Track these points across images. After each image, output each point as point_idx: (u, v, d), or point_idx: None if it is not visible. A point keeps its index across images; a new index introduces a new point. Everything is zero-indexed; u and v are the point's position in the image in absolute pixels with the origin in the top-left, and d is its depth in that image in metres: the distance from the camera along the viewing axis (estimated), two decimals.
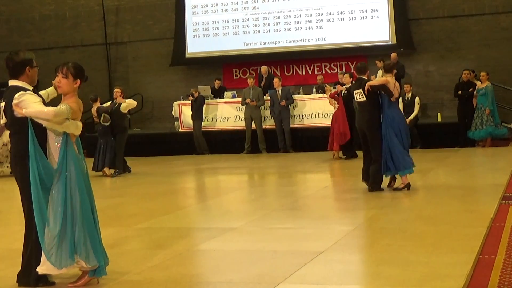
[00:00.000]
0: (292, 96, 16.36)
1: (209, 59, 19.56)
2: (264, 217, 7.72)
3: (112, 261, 5.54)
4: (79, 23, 21.30)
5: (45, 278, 5.03)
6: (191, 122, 16.91)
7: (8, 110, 4.97)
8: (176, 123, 17.88)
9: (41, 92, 5.35)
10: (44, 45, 21.62)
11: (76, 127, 4.92)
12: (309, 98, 16.64)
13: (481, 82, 15.07)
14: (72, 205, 4.82)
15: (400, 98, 15.52)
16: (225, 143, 16.84)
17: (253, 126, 16.24)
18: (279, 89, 16.07)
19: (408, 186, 9.08)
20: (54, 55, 21.51)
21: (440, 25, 18.14)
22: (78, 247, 4.83)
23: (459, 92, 15.50)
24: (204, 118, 16.80)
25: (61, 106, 4.84)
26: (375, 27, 18.13)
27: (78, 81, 5.09)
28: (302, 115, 16.47)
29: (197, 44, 19.60)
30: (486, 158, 13.70)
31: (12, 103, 4.89)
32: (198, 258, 5.98)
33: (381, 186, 9.13)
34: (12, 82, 5.07)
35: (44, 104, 5.03)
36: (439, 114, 16.75)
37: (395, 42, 17.95)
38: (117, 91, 13.16)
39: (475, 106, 15.10)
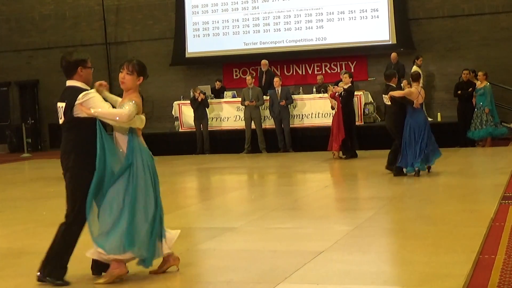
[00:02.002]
0: (292, 96, 16.36)
1: (209, 59, 19.56)
2: (264, 217, 7.72)
3: None
4: (79, 23, 21.30)
5: (63, 273, 5.06)
6: (191, 122, 16.91)
7: (68, 110, 5.01)
8: (176, 123, 17.88)
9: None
10: (44, 45, 21.62)
11: (141, 121, 5.15)
12: (309, 98, 16.64)
13: (480, 82, 15.07)
14: (134, 196, 5.00)
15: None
16: (225, 143, 16.84)
17: (253, 126, 16.25)
18: (279, 89, 16.07)
19: (417, 172, 10.47)
20: (54, 55, 21.47)
21: (440, 25, 18.14)
22: (129, 237, 4.95)
23: (459, 92, 15.50)
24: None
25: (128, 106, 5.02)
26: (375, 27, 18.13)
27: (141, 78, 5.26)
28: (302, 115, 16.47)
29: (197, 44, 19.60)
30: (486, 158, 13.70)
31: (76, 102, 4.97)
32: (198, 258, 5.98)
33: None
34: (69, 83, 5.17)
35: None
36: (439, 114, 16.76)
37: (395, 42, 17.95)
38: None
39: (474, 106, 15.11)
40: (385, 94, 10.97)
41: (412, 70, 16.15)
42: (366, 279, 4.90)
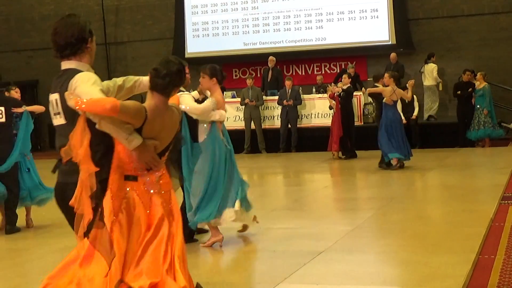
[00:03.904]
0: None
1: (209, 59, 19.47)
2: (264, 217, 7.71)
3: None
4: None
5: None
6: None
7: None
8: None
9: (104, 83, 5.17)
10: (43, 45, 21.57)
11: (220, 115, 6.15)
12: (308, 98, 16.64)
13: (479, 83, 15.07)
14: (215, 176, 6.11)
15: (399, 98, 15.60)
16: None
17: (253, 126, 16.24)
18: (289, 89, 16.08)
19: (401, 165, 11.56)
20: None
21: (440, 25, 18.13)
22: (214, 207, 6.05)
23: (458, 92, 15.50)
24: None
25: (207, 102, 6.05)
26: (375, 27, 18.13)
27: (215, 79, 6.25)
28: (302, 115, 16.47)
29: (196, 44, 19.59)
30: (485, 158, 13.69)
31: None
32: (198, 258, 5.98)
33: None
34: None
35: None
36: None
37: (395, 42, 17.95)
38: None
39: (474, 106, 15.10)
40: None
41: (426, 69, 16.35)
42: (365, 279, 4.90)
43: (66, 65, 3.50)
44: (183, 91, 6.06)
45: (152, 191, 3.39)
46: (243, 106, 16.37)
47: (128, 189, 3.37)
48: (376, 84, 12.64)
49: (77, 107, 3.20)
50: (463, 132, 15.19)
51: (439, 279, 4.74)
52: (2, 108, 7.44)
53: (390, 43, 18.00)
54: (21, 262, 6.03)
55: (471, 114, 15.06)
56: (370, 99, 17.14)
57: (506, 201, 7.94)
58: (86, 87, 3.30)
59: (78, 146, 3.25)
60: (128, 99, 3.64)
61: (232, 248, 6.27)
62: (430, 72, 16.83)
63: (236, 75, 19.68)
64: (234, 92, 17.49)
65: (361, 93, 16.58)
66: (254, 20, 19.22)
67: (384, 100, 11.67)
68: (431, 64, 16.78)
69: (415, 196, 9.29)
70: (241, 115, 16.58)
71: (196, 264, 5.87)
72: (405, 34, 18.02)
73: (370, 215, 7.50)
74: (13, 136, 7.55)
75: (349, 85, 14.10)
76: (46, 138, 21.03)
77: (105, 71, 20.80)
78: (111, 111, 3.16)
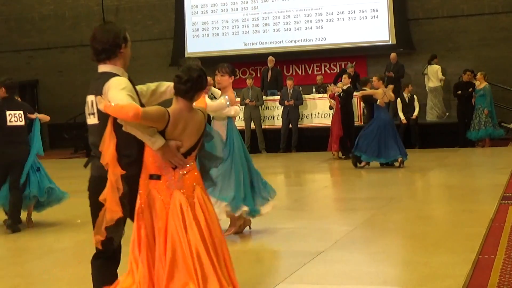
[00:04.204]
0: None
1: (209, 59, 19.46)
2: (264, 217, 7.70)
3: None
4: (78, 23, 21.29)
5: None
6: None
7: None
8: None
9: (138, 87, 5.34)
10: (43, 45, 21.62)
11: (235, 111, 6.57)
12: (308, 98, 16.63)
13: (479, 83, 15.07)
14: (235, 168, 6.41)
15: (399, 98, 15.63)
16: None
17: (252, 126, 16.24)
18: (291, 90, 16.08)
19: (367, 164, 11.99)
20: (54, 55, 21.52)
21: (440, 25, 18.13)
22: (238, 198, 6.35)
23: (459, 92, 15.50)
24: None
25: (223, 99, 6.42)
26: (375, 27, 18.13)
27: (232, 77, 6.69)
28: (303, 115, 16.46)
29: (196, 44, 19.59)
30: (485, 158, 13.69)
31: None
32: None
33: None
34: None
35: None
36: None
37: (395, 42, 17.95)
38: None
39: (474, 106, 15.10)
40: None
41: (429, 70, 16.38)
42: (365, 279, 4.90)
43: (102, 68, 3.82)
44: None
45: (172, 188, 3.66)
46: (243, 106, 16.37)
47: (150, 187, 3.67)
48: (364, 88, 12.63)
49: (105, 111, 3.53)
50: (463, 132, 15.19)
51: (439, 279, 4.74)
52: (22, 112, 7.82)
53: (390, 43, 18.00)
54: (21, 262, 6.03)
55: (471, 114, 15.06)
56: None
57: (506, 201, 7.94)
58: (115, 92, 3.58)
59: (106, 150, 3.59)
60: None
61: (232, 248, 6.25)
62: (434, 74, 16.85)
63: (236, 75, 19.67)
64: (234, 92, 17.43)
65: None
66: (254, 20, 19.22)
67: (378, 102, 11.81)
68: (435, 65, 16.80)
69: (415, 196, 9.29)
70: (241, 115, 16.55)
71: None
72: (405, 34, 18.02)
73: (370, 215, 7.49)
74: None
75: (349, 85, 14.10)
76: (46, 138, 21.04)
77: None
78: (133, 117, 3.46)
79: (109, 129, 3.60)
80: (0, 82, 7.78)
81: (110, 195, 3.60)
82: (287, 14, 18.88)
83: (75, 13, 21.34)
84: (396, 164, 11.71)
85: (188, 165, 3.72)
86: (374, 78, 12.24)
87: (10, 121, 7.68)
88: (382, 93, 11.85)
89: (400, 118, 15.37)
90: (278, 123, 16.38)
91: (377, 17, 18.12)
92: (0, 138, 7.64)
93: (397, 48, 17.67)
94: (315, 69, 19.07)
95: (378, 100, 11.82)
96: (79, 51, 21.11)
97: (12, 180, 7.63)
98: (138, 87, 3.90)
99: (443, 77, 16.85)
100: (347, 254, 5.75)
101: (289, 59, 18.97)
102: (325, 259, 5.54)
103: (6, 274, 5.49)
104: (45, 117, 8.29)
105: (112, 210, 3.61)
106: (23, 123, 7.80)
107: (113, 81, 3.66)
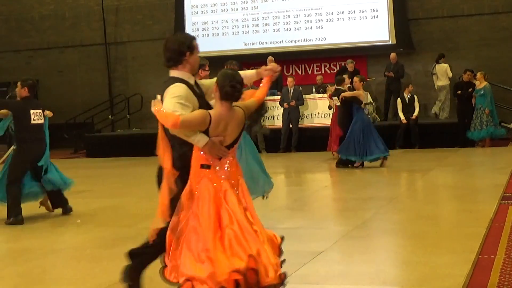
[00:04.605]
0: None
1: (209, 59, 19.31)
2: (264, 217, 7.70)
3: (112, 261, 5.56)
4: (78, 23, 21.30)
5: None
6: None
7: None
8: None
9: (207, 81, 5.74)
10: (43, 45, 21.62)
11: None
12: (309, 98, 16.64)
13: (479, 83, 15.07)
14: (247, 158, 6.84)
15: (399, 98, 15.65)
16: None
17: None
18: (291, 89, 16.08)
19: (362, 164, 12.03)
20: (54, 55, 21.52)
21: (440, 25, 18.14)
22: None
23: (459, 92, 15.50)
24: None
25: None
26: (375, 27, 18.13)
27: None
28: (302, 115, 16.46)
29: None
30: (485, 158, 13.69)
31: None
32: None
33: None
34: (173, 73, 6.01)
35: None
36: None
37: (395, 42, 17.95)
38: None
39: (474, 106, 15.10)
40: (335, 97, 12.82)
41: (437, 69, 16.40)
42: (365, 279, 4.90)
43: (171, 73, 4.33)
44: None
45: (223, 176, 4.11)
46: None
47: (202, 175, 4.10)
48: (338, 87, 12.68)
49: (154, 114, 4.03)
50: (463, 132, 15.19)
51: (439, 279, 4.74)
52: (41, 110, 8.31)
53: (390, 43, 18.01)
54: (21, 262, 6.03)
55: (471, 114, 15.05)
56: (370, 99, 17.17)
57: (506, 201, 7.94)
58: (167, 100, 4.06)
59: (162, 156, 4.15)
60: None
61: None
62: (443, 72, 16.91)
63: None
64: None
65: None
66: (254, 20, 19.22)
67: (362, 105, 12.02)
68: (443, 64, 16.85)
69: (415, 196, 9.29)
70: None
71: None
72: (405, 34, 18.02)
73: (369, 215, 7.49)
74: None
75: (349, 85, 14.08)
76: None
77: (105, 71, 20.82)
78: (172, 126, 3.97)
79: (160, 132, 4.17)
80: (23, 82, 8.29)
81: (164, 198, 4.13)
82: (287, 14, 18.88)
83: (75, 13, 21.33)
84: (378, 162, 11.90)
85: (231, 157, 4.18)
86: (356, 79, 12.26)
87: (33, 120, 8.16)
88: (363, 94, 12.08)
89: (400, 118, 15.39)
90: (278, 123, 16.38)
91: (377, 17, 18.12)
92: (26, 136, 8.11)
93: (397, 48, 17.67)
94: (315, 69, 19.07)
95: (363, 102, 12.04)
96: (79, 51, 21.12)
97: (34, 175, 8.17)
98: (207, 81, 4.49)
99: (451, 74, 16.90)
100: (347, 254, 5.76)
101: (289, 59, 18.97)
102: (325, 259, 5.54)
103: (6, 274, 5.49)
104: (50, 113, 8.67)
105: (161, 211, 4.14)
106: (42, 121, 8.29)
107: (170, 88, 4.12)
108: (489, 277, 4.85)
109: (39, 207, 8.71)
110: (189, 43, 4.31)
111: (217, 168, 4.12)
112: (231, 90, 4.13)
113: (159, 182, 4.25)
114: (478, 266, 5.15)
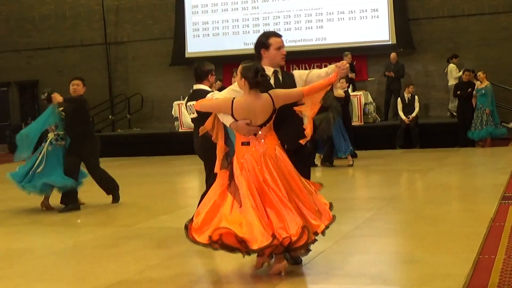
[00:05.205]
0: None
1: (209, 59, 19.39)
2: None
3: (112, 261, 5.55)
4: (79, 22, 21.30)
5: None
6: (191, 122, 16.88)
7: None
8: (176, 123, 17.88)
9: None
10: (43, 45, 21.63)
11: None
12: None
13: (480, 82, 15.06)
14: None
15: (399, 98, 15.65)
16: None
17: None
18: None
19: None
20: (54, 55, 21.52)
21: (440, 25, 18.14)
22: None
23: (459, 92, 15.50)
24: None
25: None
26: (375, 27, 18.13)
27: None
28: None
29: (197, 44, 19.60)
30: (486, 158, 13.69)
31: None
32: (198, 258, 5.97)
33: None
34: (197, 86, 6.68)
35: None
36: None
37: (395, 42, 17.95)
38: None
39: (474, 106, 15.10)
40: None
41: (448, 69, 16.43)
42: (365, 279, 4.89)
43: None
44: (212, 91, 6.42)
45: (260, 150, 4.89)
46: None
47: (244, 151, 4.92)
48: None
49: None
50: (463, 132, 15.18)
51: (439, 279, 4.74)
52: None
53: (390, 43, 18.01)
54: (21, 262, 6.02)
55: (471, 114, 15.05)
56: (370, 99, 17.19)
57: (506, 201, 7.93)
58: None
59: (216, 132, 5.16)
60: None
61: None
62: (450, 73, 16.94)
63: (236, 75, 19.67)
64: None
65: (361, 92, 16.59)
66: (254, 20, 19.22)
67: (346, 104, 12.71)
68: (451, 64, 16.89)
69: (415, 196, 9.29)
70: None
71: (196, 264, 5.87)
72: (405, 34, 18.03)
73: (370, 215, 7.49)
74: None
75: (345, 89, 14.05)
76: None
77: (105, 71, 20.82)
78: (195, 106, 5.55)
79: (214, 116, 5.19)
80: (83, 80, 9.34)
81: (217, 168, 5.12)
82: (287, 14, 18.89)
83: (75, 13, 21.34)
84: (349, 161, 12.41)
85: (261, 132, 4.92)
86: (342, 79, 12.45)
87: None
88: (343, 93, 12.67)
89: (401, 118, 15.39)
90: None
91: (378, 17, 18.12)
92: (92, 129, 9.44)
93: (397, 48, 17.68)
94: (315, 69, 19.04)
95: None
96: (79, 50, 21.13)
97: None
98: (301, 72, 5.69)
99: (459, 74, 16.92)
100: (347, 254, 5.75)
101: (289, 59, 18.60)
102: (325, 259, 5.54)
103: (6, 274, 5.49)
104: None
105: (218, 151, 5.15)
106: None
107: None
108: (490, 277, 4.85)
109: (41, 208, 8.72)
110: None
111: (256, 143, 4.89)
112: (262, 80, 4.96)
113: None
114: (479, 266, 5.15)
